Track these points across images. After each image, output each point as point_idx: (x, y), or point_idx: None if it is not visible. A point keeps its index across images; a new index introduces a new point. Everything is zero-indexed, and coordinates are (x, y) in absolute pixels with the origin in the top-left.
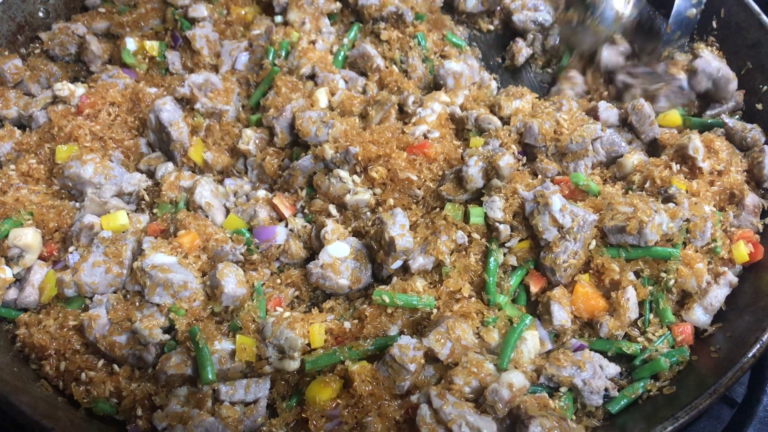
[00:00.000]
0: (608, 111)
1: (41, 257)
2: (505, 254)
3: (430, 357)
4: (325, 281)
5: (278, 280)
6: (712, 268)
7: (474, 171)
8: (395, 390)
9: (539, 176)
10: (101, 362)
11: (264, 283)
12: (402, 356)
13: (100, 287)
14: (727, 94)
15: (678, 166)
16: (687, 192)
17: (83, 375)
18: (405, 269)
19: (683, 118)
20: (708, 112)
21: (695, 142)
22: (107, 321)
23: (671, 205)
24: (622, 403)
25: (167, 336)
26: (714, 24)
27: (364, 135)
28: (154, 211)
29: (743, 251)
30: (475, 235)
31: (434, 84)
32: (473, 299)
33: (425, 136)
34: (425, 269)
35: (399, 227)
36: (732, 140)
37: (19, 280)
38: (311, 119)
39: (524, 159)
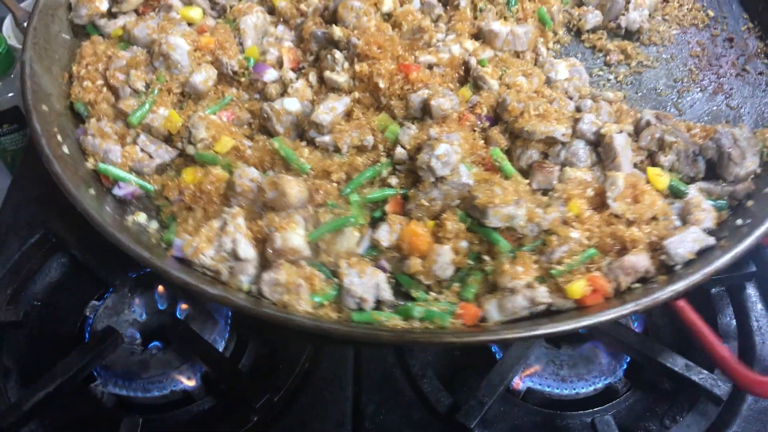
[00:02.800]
0: (590, 126)
1: (136, 11)
2: (394, 174)
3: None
4: (267, 121)
5: (246, 105)
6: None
7: (416, 100)
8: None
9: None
10: (102, 84)
11: (233, 101)
12: (240, 181)
13: (140, 42)
14: (729, 175)
15: (592, 192)
16: (577, 216)
17: (86, 82)
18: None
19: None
20: (699, 184)
21: (615, 179)
22: (124, 63)
23: (539, 211)
24: (364, 316)
25: (143, 88)
26: None
27: (376, 36)
28: (220, 19)
29: (577, 289)
30: (380, 146)
31: (475, 35)
32: (336, 186)
33: (430, 67)
34: (325, 147)
35: (329, 108)
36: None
37: (112, 16)
38: (352, 7)
39: (487, 124)
